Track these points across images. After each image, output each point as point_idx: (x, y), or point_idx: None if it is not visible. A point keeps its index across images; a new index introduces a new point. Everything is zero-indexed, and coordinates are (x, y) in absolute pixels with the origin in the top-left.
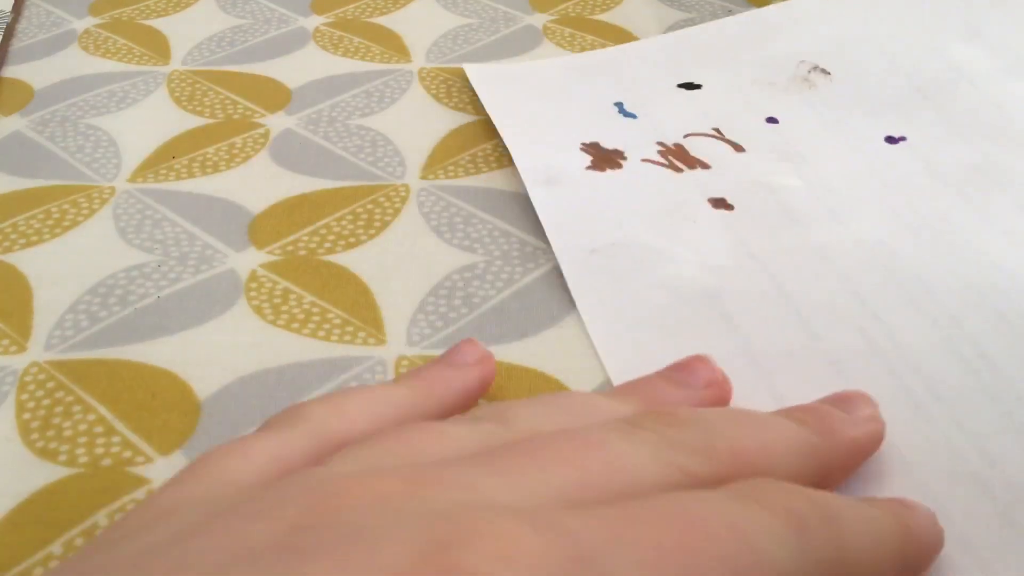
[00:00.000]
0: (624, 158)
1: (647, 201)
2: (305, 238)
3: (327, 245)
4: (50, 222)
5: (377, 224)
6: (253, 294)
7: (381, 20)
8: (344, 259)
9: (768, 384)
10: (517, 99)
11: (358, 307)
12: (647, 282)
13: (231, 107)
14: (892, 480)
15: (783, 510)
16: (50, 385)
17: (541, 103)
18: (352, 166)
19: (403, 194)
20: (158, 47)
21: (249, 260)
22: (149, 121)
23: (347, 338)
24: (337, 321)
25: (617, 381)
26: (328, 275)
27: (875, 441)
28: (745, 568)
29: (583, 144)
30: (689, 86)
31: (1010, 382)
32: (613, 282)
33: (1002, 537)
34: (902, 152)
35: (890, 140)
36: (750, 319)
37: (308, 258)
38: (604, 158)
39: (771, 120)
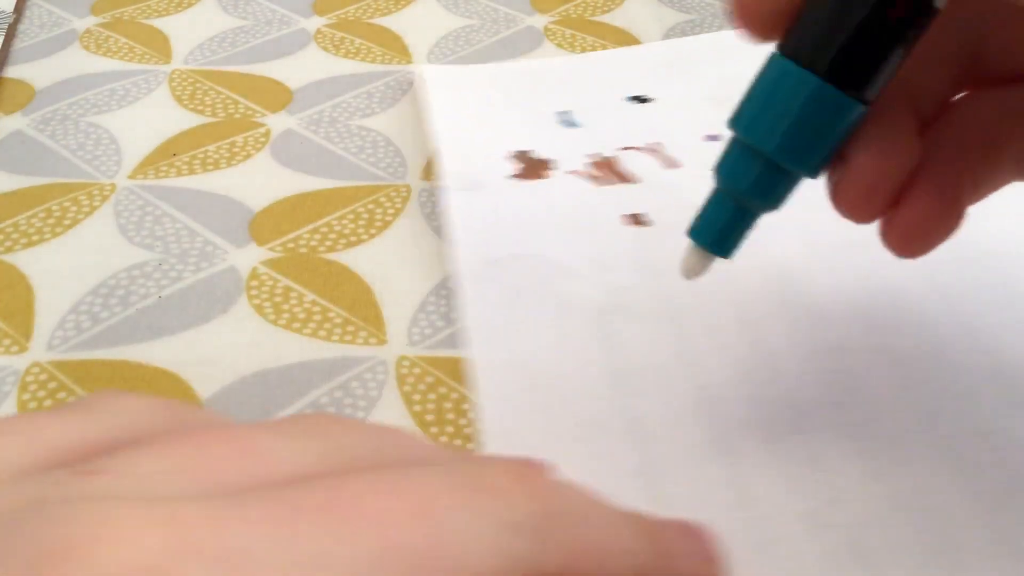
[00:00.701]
0: (552, 169)
1: (563, 214)
2: (306, 236)
3: (328, 243)
4: (51, 221)
5: (378, 224)
6: (254, 292)
7: (382, 21)
8: (345, 257)
9: (626, 405)
10: (467, 102)
11: (359, 306)
12: (538, 296)
13: (232, 106)
14: (736, 497)
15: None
16: (52, 385)
17: (489, 108)
18: (353, 167)
19: (404, 194)
20: (159, 47)
21: (250, 257)
22: (150, 119)
23: (348, 338)
24: (338, 320)
25: (486, 394)
26: (329, 273)
27: None
28: (432, 563)
29: (515, 152)
30: (640, 99)
31: (872, 416)
32: (505, 294)
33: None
34: None
35: None
36: (631, 339)
37: (309, 256)
38: (531, 167)
39: (711, 137)
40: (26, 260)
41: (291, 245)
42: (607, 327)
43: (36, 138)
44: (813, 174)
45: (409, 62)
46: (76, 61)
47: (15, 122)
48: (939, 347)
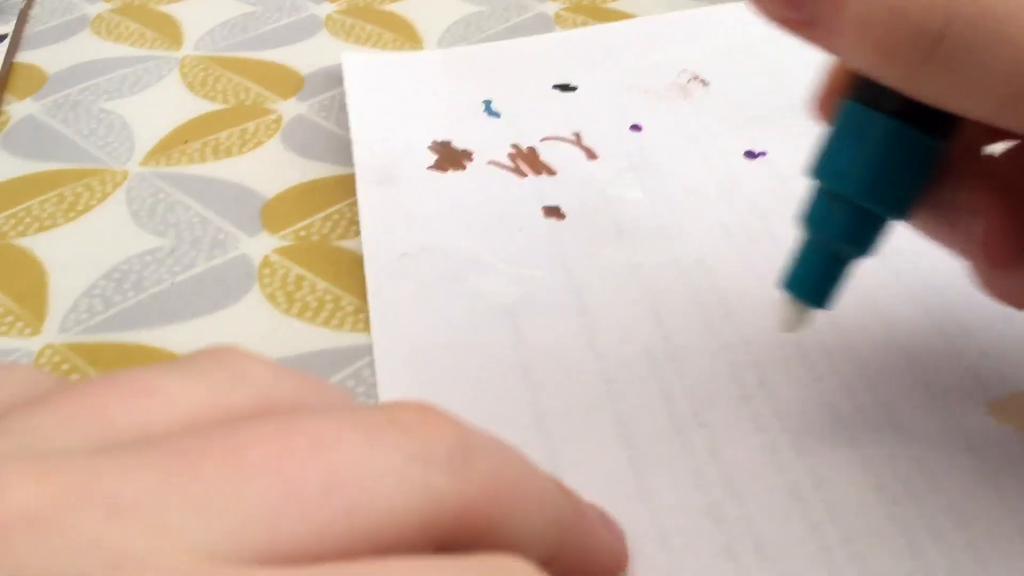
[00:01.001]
0: (471, 159)
1: (480, 206)
2: (318, 223)
3: (339, 231)
4: (64, 206)
5: None
6: (267, 281)
7: (393, 7)
8: (357, 246)
9: (532, 400)
10: (386, 91)
11: None
12: (447, 291)
13: (243, 93)
14: (636, 489)
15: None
16: (65, 367)
17: (409, 97)
18: None
19: None
20: (170, 32)
21: (262, 245)
22: (162, 105)
23: (360, 327)
24: (350, 309)
25: (384, 387)
26: (341, 261)
27: (617, 560)
28: (333, 501)
29: (433, 142)
30: (564, 88)
31: (777, 411)
32: (413, 288)
33: (722, 570)
34: (758, 168)
35: (749, 155)
36: (539, 335)
37: (321, 244)
38: (450, 158)
39: (635, 127)
40: (39, 244)
41: (303, 233)
42: (516, 322)
43: (48, 123)
44: (901, 216)
45: (420, 48)
46: (87, 47)
47: (27, 107)
48: (848, 341)
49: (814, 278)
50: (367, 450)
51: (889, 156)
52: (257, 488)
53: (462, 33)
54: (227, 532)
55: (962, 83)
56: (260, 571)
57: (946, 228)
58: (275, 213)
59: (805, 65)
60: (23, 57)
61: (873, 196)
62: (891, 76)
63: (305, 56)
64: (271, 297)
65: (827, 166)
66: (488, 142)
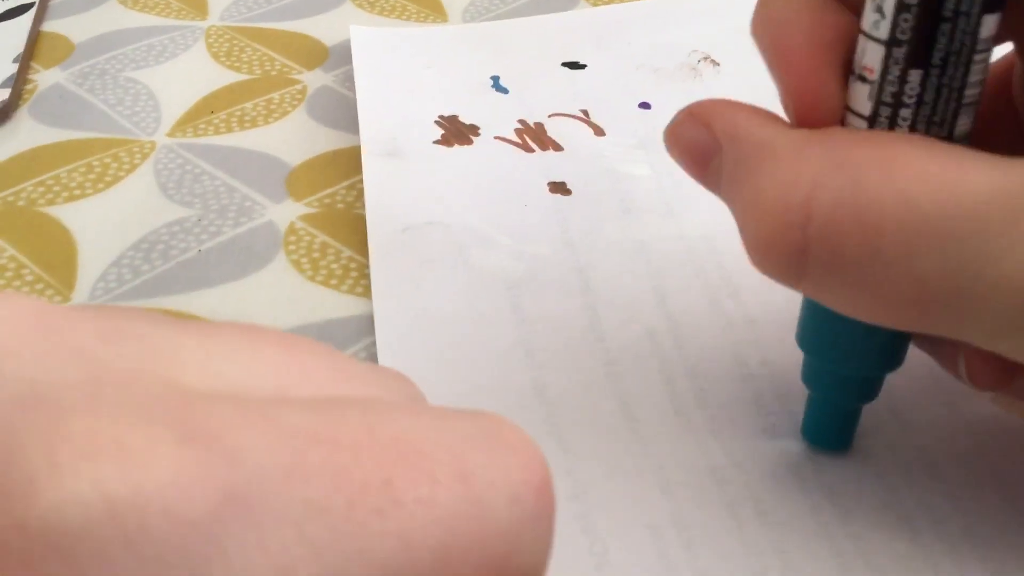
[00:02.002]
0: (477, 134)
1: (485, 181)
2: (343, 192)
3: (363, 199)
4: (92, 176)
5: None
6: (292, 247)
7: None
8: None
9: (534, 377)
10: (394, 65)
11: None
12: (450, 265)
13: (268, 63)
14: (631, 472)
15: None
16: None
17: (417, 71)
18: None
19: None
20: (196, 2)
21: (288, 212)
22: (188, 75)
23: None
24: None
25: (384, 362)
26: (365, 229)
27: None
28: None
29: (440, 117)
30: (573, 65)
31: (779, 393)
32: (416, 263)
33: (726, 525)
34: None
35: None
36: (540, 312)
37: (346, 211)
38: (456, 133)
39: (644, 105)
40: (68, 214)
41: (327, 201)
42: (518, 298)
43: (75, 92)
44: (895, 368)
45: (445, 20)
46: (113, 16)
47: (54, 76)
48: None
49: (829, 429)
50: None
51: (868, 329)
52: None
53: (486, 5)
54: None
55: (844, 298)
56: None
57: (928, 347)
58: (300, 181)
59: None
60: (49, 26)
61: (861, 367)
62: (785, 285)
63: (330, 27)
64: (296, 264)
65: (812, 342)
66: (495, 117)
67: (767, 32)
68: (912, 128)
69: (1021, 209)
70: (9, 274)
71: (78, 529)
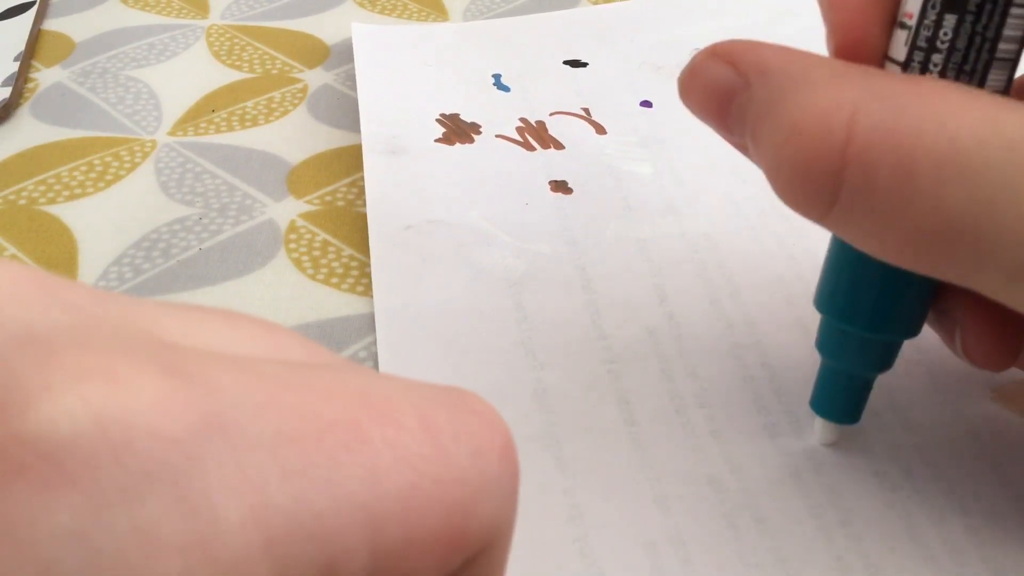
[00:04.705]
0: (479, 132)
1: (487, 179)
2: (343, 189)
3: (365, 198)
4: (93, 175)
5: None
6: (293, 246)
7: None
8: None
9: (536, 375)
10: (395, 63)
11: None
12: (451, 263)
13: (269, 62)
14: (628, 486)
15: None
16: None
17: (418, 69)
18: None
19: None
20: (196, 1)
21: (288, 210)
22: (189, 74)
23: None
24: None
25: (385, 360)
26: (367, 228)
27: None
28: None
29: (441, 115)
30: (575, 63)
31: (779, 393)
32: (417, 261)
33: (724, 537)
34: None
35: None
36: (541, 311)
37: (347, 209)
38: (458, 131)
39: (645, 104)
40: (69, 212)
41: (328, 198)
42: (519, 297)
43: (76, 91)
44: (914, 335)
45: (446, 19)
46: (114, 14)
47: (55, 74)
48: None
49: (841, 400)
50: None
51: (892, 288)
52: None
53: (488, 4)
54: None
55: (870, 230)
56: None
57: (933, 318)
58: (301, 178)
59: (818, 45)
60: (50, 25)
61: (882, 329)
62: (810, 218)
63: (331, 26)
64: (297, 262)
65: (831, 303)
66: (497, 116)
67: None
68: (943, 74)
69: None
70: None
71: (68, 441)
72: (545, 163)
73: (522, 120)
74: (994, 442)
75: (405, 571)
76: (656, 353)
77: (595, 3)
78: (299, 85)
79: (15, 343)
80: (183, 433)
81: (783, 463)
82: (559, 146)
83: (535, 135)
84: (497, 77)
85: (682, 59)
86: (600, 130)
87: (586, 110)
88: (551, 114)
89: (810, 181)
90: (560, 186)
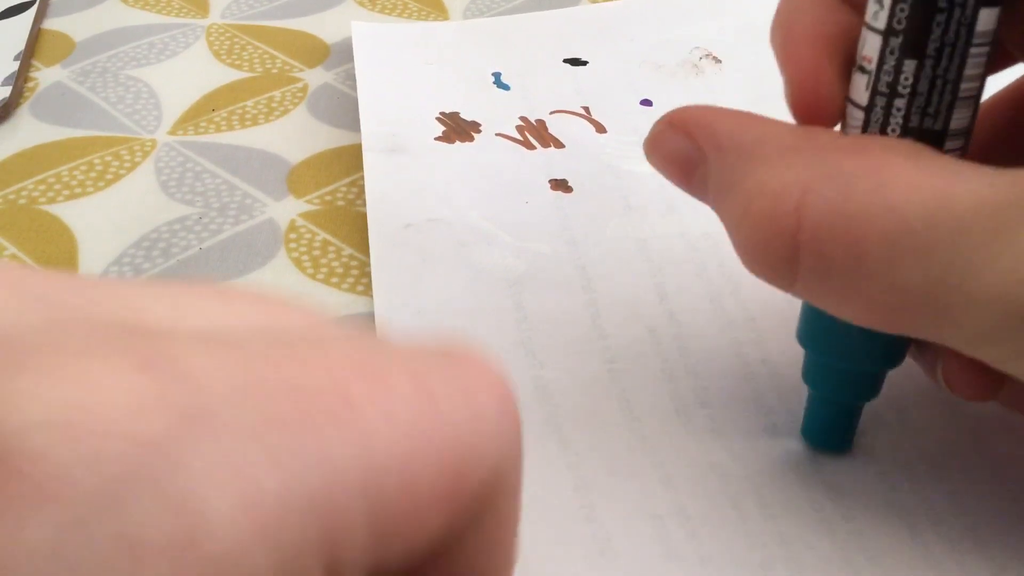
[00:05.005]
0: (479, 131)
1: (487, 178)
2: (344, 189)
3: (364, 197)
4: (93, 174)
5: None
6: (293, 245)
7: None
8: None
9: (537, 374)
10: (395, 62)
11: None
12: (451, 263)
13: (269, 61)
14: (633, 467)
15: None
16: None
17: (418, 68)
18: None
19: None
20: (196, 0)
21: (288, 209)
22: (188, 74)
23: None
24: None
25: None
26: (367, 227)
27: None
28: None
29: (441, 113)
30: (575, 62)
31: (780, 392)
32: (417, 260)
33: (729, 517)
34: None
35: None
36: (542, 310)
37: (347, 209)
38: (458, 130)
39: (645, 102)
40: (69, 212)
41: (328, 198)
42: (519, 296)
43: (76, 90)
44: (895, 365)
45: (446, 18)
46: (114, 14)
47: (55, 74)
48: None
49: (830, 429)
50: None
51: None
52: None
53: (488, 3)
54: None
55: (832, 304)
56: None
57: (913, 352)
58: (301, 178)
59: None
60: (50, 24)
61: (864, 361)
62: (778, 287)
63: (331, 25)
64: (297, 262)
65: (812, 338)
66: (497, 114)
67: (777, 28)
68: (906, 118)
69: (1004, 221)
70: None
71: (39, 453)
72: (545, 162)
73: (522, 119)
74: (994, 442)
75: (409, 533)
76: (657, 352)
77: (595, 1)
78: (299, 84)
79: None
80: (161, 432)
81: (785, 461)
82: (559, 145)
83: (535, 134)
84: (497, 75)
85: (682, 58)
86: (600, 129)
87: (586, 109)
88: (551, 113)
89: (768, 261)
90: (560, 185)
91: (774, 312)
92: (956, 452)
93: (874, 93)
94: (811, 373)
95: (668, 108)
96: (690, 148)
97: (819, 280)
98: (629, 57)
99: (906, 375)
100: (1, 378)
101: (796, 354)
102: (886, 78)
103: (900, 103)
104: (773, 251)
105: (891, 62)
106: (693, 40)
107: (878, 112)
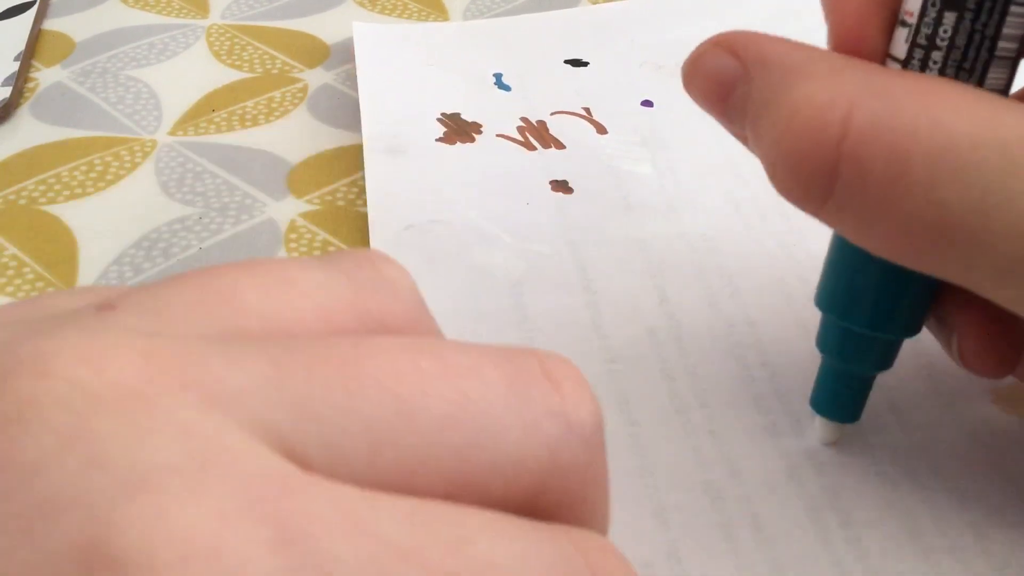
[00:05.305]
0: (480, 132)
1: (488, 179)
2: (344, 189)
3: (365, 197)
4: (93, 175)
5: None
6: (293, 245)
7: None
8: None
9: None
10: (396, 62)
11: None
12: (452, 263)
13: (269, 62)
14: (627, 499)
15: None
16: None
17: (419, 68)
18: None
19: None
20: (196, 1)
21: (288, 209)
22: (188, 74)
23: None
24: None
25: None
26: (367, 227)
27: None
28: (455, 436)
29: (442, 114)
30: (576, 63)
31: (779, 393)
32: (418, 261)
33: (720, 549)
34: None
35: None
36: (542, 311)
37: (347, 209)
38: (459, 130)
39: (646, 103)
40: (69, 212)
41: (328, 198)
42: (520, 296)
43: (76, 90)
44: (914, 334)
45: (446, 19)
46: (115, 14)
47: (55, 74)
48: None
49: (841, 399)
50: (504, 392)
51: (892, 287)
52: (369, 401)
53: (488, 4)
54: (325, 442)
55: (863, 224)
56: (347, 488)
57: (932, 323)
58: (301, 178)
59: (820, 45)
60: (50, 24)
61: (882, 327)
62: (806, 210)
63: (331, 25)
64: None
65: (832, 301)
66: (498, 115)
67: None
68: (942, 72)
69: None
70: (10, 272)
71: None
72: (546, 163)
73: (523, 119)
74: (994, 442)
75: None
76: (656, 353)
77: (595, 2)
78: (299, 85)
79: (123, 493)
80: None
81: (783, 463)
82: (560, 146)
83: (536, 135)
84: (498, 76)
85: (683, 59)
86: (601, 130)
87: (587, 109)
88: (552, 114)
89: (806, 174)
90: (561, 186)
91: (773, 313)
92: (956, 452)
93: (912, 45)
94: (826, 340)
95: (669, 109)
96: (734, 66)
97: (856, 195)
98: (630, 58)
99: (904, 375)
100: (142, 544)
101: (796, 355)
102: (925, 30)
103: (937, 56)
104: (814, 162)
105: (931, 14)
106: (694, 41)
107: (915, 64)
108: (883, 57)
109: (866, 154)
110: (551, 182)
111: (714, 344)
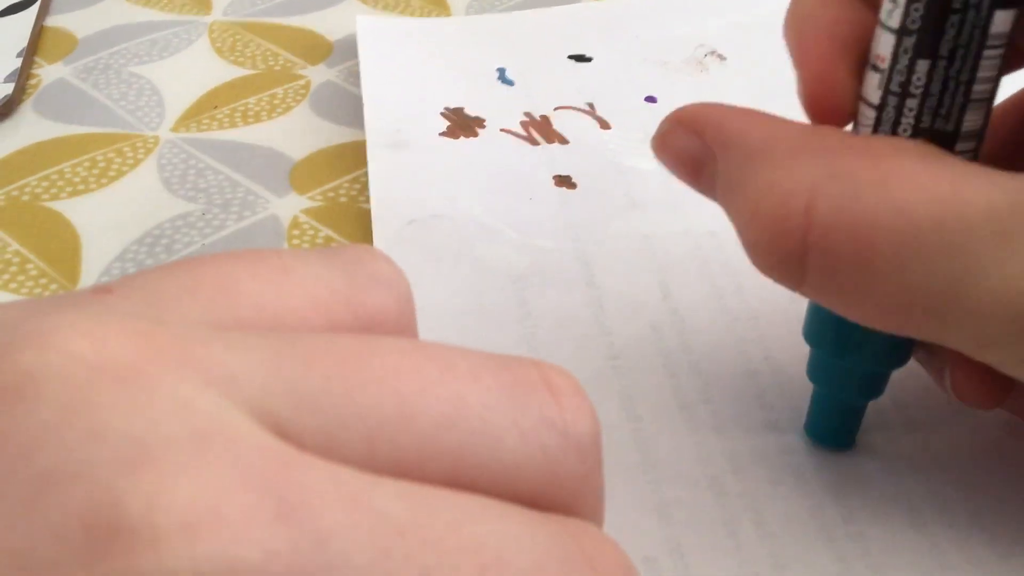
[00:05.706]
0: (483, 127)
1: (491, 174)
2: (346, 185)
3: (367, 193)
4: (96, 171)
5: None
6: (296, 242)
7: None
8: None
9: None
10: (400, 57)
11: None
12: (455, 258)
13: (272, 58)
14: (629, 497)
15: None
16: None
17: (423, 63)
18: None
19: None
20: None
21: (291, 205)
22: (191, 71)
23: None
24: None
25: None
26: (369, 224)
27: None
28: (452, 436)
29: (446, 109)
30: (580, 58)
31: (782, 388)
32: (421, 256)
33: (724, 547)
34: None
35: None
36: (545, 306)
37: (349, 205)
38: (462, 125)
39: (650, 99)
40: (72, 208)
41: (331, 194)
42: (523, 292)
43: (79, 87)
44: (902, 365)
45: (448, 14)
46: (117, 11)
47: (58, 71)
48: None
49: (834, 426)
50: (503, 399)
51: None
52: (368, 397)
53: (490, 1)
54: (325, 431)
55: (839, 304)
56: (345, 468)
57: (921, 356)
58: (304, 174)
59: None
60: (53, 21)
61: (868, 361)
62: (788, 288)
63: (333, 22)
64: None
65: (818, 336)
66: (501, 110)
67: (791, 24)
68: (918, 119)
69: (1012, 227)
70: (13, 269)
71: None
72: (549, 158)
73: (526, 114)
74: (998, 437)
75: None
76: (660, 349)
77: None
78: (301, 82)
79: (125, 469)
80: None
81: (786, 459)
82: (563, 141)
83: (539, 130)
84: (502, 71)
85: (687, 55)
86: (604, 125)
87: (590, 105)
88: (555, 109)
89: (776, 261)
90: (564, 181)
91: (777, 309)
92: (959, 446)
93: (886, 93)
94: (816, 371)
95: (673, 105)
96: (698, 146)
97: (827, 280)
98: (633, 54)
99: (907, 372)
100: (144, 509)
101: (799, 351)
102: (899, 78)
103: (912, 103)
104: (782, 251)
105: (904, 62)
106: (698, 37)
107: (890, 112)
108: (855, 100)
109: (831, 245)
110: (554, 177)
111: (718, 340)
